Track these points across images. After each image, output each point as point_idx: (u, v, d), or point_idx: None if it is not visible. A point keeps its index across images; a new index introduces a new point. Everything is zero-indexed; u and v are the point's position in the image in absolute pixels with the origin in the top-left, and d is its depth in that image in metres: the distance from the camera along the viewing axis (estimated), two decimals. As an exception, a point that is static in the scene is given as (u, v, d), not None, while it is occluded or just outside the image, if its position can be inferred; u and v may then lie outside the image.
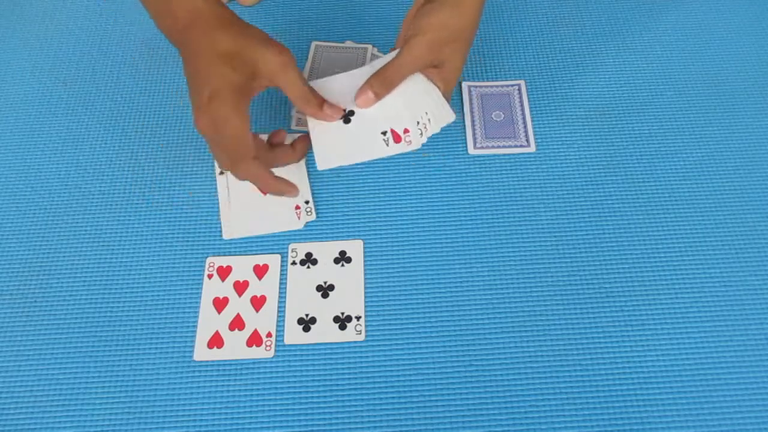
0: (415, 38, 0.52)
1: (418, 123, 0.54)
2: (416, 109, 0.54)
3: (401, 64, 0.53)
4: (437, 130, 0.55)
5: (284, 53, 0.50)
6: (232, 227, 0.59)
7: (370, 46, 0.69)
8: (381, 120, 0.54)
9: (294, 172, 0.61)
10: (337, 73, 0.57)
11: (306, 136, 0.59)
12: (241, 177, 0.53)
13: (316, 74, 0.68)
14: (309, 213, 0.59)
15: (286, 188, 0.56)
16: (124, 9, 0.75)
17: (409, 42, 0.52)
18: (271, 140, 0.59)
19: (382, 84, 0.53)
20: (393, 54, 0.54)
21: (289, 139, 0.61)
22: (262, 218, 0.59)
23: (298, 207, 0.59)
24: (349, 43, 0.70)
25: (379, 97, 0.53)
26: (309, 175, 0.62)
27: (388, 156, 0.54)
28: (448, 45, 0.53)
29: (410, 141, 0.53)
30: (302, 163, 0.62)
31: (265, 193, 0.59)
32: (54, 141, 0.65)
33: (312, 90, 0.53)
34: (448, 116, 0.55)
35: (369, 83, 0.53)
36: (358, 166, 0.62)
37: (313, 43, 0.70)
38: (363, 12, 0.73)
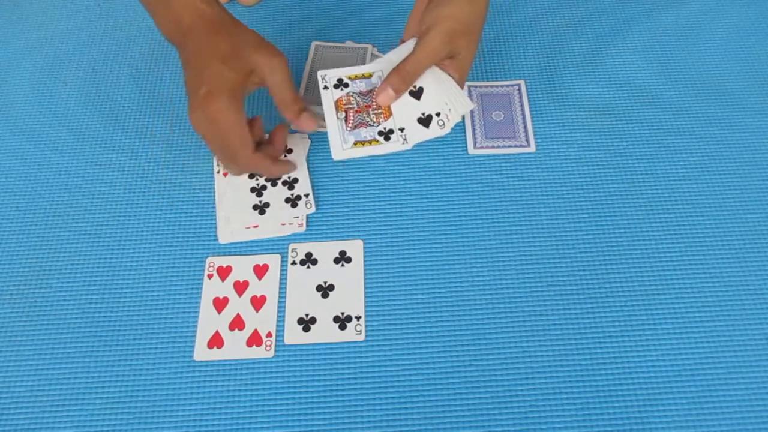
0: (430, 31, 0.52)
1: (439, 114, 0.54)
2: (436, 101, 0.54)
3: (419, 58, 0.52)
4: (459, 119, 0.55)
5: (277, 55, 0.52)
6: (226, 232, 0.59)
7: (370, 46, 0.69)
8: (405, 118, 0.54)
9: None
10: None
11: (282, 128, 0.60)
12: (242, 168, 0.54)
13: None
14: (309, 206, 0.59)
15: (288, 168, 0.60)
16: (124, 9, 0.75)
17: (424, 35, 0.52)
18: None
19: (401, 80, 0.53)
20: (404, 46, 0.54)
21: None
22: (255, 223, 0.59)
23: (295, 208, 0.60)
24: (349, 43, 0.70)
25: (399, 93, 0.53)
26: (309, 169, 0.62)
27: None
28: (462, 36, 0.52)
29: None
30: (303, 157, 0.62)
31: (273, 176, 0.60)
32: (54, 141, 0.65)
33: (296, 97, 0.54)
34: (467, 104, 0.55)
35: (388, 80, 0.53)
36: (358, 167, 0.62)
37: (313, 43, 0.70)
38: (363, 12, 0.73)
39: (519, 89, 0.67)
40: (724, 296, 0.55)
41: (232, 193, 0.60)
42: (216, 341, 0.54)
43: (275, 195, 0.60)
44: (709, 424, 0.50)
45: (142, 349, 0.54)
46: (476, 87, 0.67)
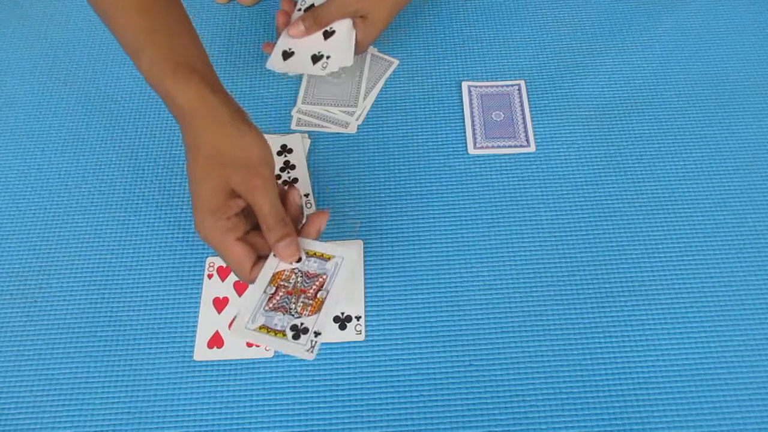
0: None
1: (328, 58, 0.62)
2: (333, 47, 0.62)
3: (329, 7, 0.61)
4: (336, 69, 0.62)
5: (259, 175, 0.47)
6: None
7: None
8: (307, 49, 0.63)
9: (296, 167, 0.61)
10: None
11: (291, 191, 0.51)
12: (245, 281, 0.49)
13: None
14: (309, 207, 0.59)
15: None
16: (124, 9, 0.75)
17: None
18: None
19: (313, 21, 0.61)
20: None
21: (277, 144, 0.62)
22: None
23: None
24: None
25: (309, 31, 0.62)
26: (310, 170, 0.62)
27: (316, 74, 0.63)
28: None
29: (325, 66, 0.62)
30: (303, 157, 0.62)
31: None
32: (54, 141, 0.65)
33: (278, 222, 0.47)
34: (346, 61, 0.62)
35: (303, 18, 0.61)
36: (359, 167, 0.62)
37: None
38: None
39: (519, 89, 0.67)
40: (724, 296, 0.55)
41: None
42: (216, 341, 0.54)
43: None
44: (709, 424, 0.50)
45: (142, 349, 0.54)
46: (476, 87, 0.67)
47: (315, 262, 0.49)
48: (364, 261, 0.57)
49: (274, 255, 0.48)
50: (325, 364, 0.53)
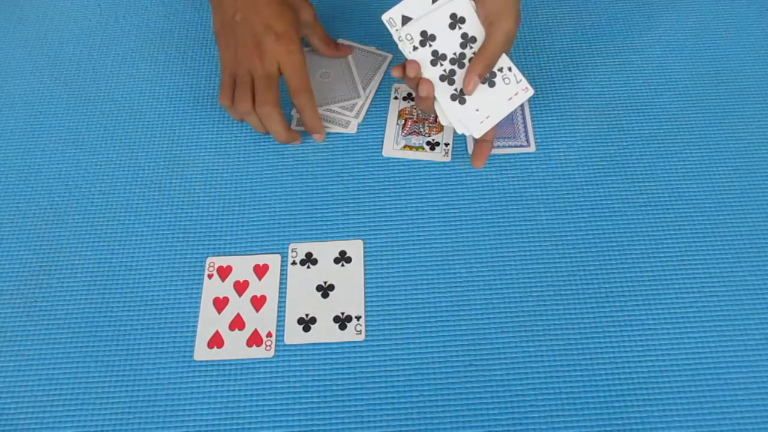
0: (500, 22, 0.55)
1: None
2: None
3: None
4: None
5: (313, 8, 0.63)
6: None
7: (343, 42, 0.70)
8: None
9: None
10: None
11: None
12: (270, 112, 0.58)
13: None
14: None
15: (297, 138, 0.63)
16: (124, 9, 0.75)
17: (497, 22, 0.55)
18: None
19: (486, 67, 0.55)
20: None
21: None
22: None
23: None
24: (340, 41, 0.70)
25: (481, 78, 0.55)
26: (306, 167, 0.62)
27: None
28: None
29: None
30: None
31: (280, 139, 0.62)
32: (54, 141, 0.65)
33: (329, 38, 0.67)
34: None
35: (475, 71, 0.54)
36: (359, 168, 0.62)
37: None
38: (363, 12, 0.73)
39: (519, 89, 0.67)
40: (724, 296, 0.55)
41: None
42: (216, 341, 0.54)
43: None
44: (709, 424, 0.50)
45: (142, 349, 0.54)
46: (476, 87, 0.67)
47: None
48: (364, 261, 0.57)
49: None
50: (325, 364, 0.53)
